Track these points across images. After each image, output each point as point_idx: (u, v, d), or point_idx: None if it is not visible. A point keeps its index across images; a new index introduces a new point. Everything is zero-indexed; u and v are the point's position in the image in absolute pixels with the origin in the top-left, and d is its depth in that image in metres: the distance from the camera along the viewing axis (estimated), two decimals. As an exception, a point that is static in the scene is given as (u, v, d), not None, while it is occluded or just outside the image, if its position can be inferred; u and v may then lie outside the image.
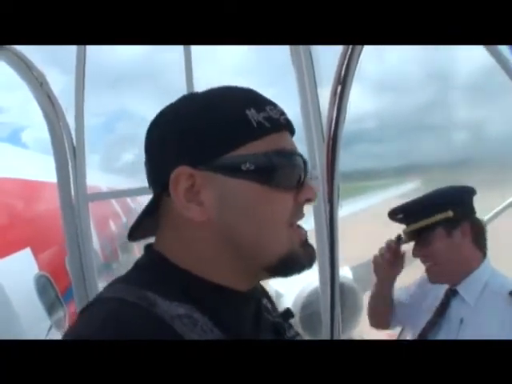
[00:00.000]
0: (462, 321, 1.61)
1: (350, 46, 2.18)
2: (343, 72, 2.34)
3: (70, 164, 2.19)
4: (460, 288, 1.66)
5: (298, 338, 0.85)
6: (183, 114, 0.72)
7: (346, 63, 2.25)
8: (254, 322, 0.78)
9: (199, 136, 0.70)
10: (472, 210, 1.70)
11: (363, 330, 7.69)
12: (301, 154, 0.76)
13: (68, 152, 2.18)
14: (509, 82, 2.11)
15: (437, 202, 1.68)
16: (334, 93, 2.39)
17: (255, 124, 0.70)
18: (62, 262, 3.59)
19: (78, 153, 2.19)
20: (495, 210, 2.92)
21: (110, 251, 5.81)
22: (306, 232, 0.76)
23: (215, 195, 0.69)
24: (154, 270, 0.73)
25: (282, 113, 0.75)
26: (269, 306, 0.88)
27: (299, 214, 0.75)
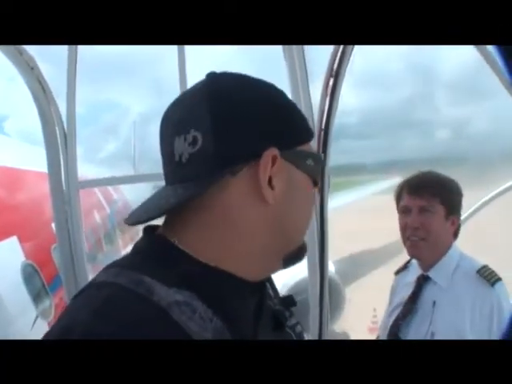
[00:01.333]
0: (434, 303, 1.70)
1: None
2: (336, 64, 2.36)
3: (60, 150, 2.16)
4: (431, 273, 1.76)
5: (299, 328, 0.84)
6: (271, 95, 0.73)
7: (339, 55, 2.27)
8: (256, 310, 0.76)
9: (291, 122, 0.73)
10: (461, 206, 1.82)
11: (346, 323, 7.79)
12: None
13: (59, 138, 2.16)
14: (493, 79, 2.15)
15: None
16: (326, 85, 2.41)
17: (308, 129, 0.77)
18: (47, 251, 3.56)
19: (68, 138, 2.16)
20: (475, 206, 3.02)
21: (95, 242, 5.78)
22: None
23: (284, 182, 0.70)
24: (155, 254, 0.70)
25: None
26: (271, 292, 0.86)
27: None
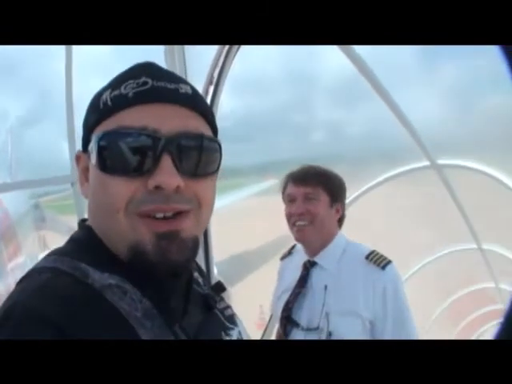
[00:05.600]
0: (326, 287, 1.76)
1: (226, 48, 2.29)
2: (216, 72, 2.45)
3: None
4: (318, 258, 1.84)
5: (229, 311, 0.90)
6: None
7: (221, 64, 2.37)
8: (183, 293, 0.82)
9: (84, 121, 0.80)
10: (345, 196, 1.92)
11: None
12: (152, 132, 0.70)
13: None
14: (367, 84, 2.37)
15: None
16: (206, 92, 2.51)
17: (101, 105, 0.74)
18: None
19: None
20: (349, 199, 3.28)
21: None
22: (167, 224, 0.72)
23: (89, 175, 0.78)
24: (86, 243, 0.76)
25: (143, 83, 0.72)
26: (200, 279, 0.91)
27: (153, 202, 0.71)
